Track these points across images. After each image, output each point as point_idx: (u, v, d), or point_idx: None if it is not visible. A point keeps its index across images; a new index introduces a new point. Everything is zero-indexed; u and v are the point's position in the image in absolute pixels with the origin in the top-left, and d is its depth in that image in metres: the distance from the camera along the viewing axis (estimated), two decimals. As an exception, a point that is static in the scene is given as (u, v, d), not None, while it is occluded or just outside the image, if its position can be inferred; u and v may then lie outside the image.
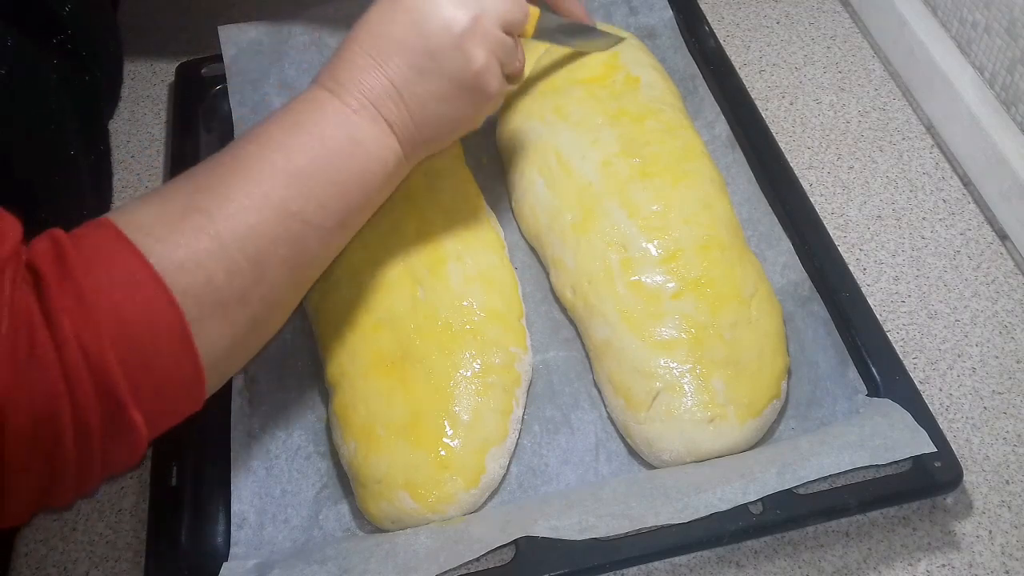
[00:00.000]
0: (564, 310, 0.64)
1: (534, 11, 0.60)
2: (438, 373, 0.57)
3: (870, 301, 0.60)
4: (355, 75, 0.52)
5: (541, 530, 0.51)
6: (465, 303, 0.60)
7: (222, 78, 0.76)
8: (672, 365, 0.56)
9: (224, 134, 0.75)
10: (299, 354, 0.63)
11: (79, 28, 0.63)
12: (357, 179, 0.52)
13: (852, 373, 0.58)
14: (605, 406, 0.59)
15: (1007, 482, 0.56)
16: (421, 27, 0.52)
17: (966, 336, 0.63)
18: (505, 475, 0.57)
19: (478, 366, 0.57)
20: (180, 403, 0.45)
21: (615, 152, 0.65)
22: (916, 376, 0.59)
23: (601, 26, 0.73)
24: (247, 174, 0.48)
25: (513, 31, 0.56)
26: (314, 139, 0.50)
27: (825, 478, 0.52)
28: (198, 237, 0.44)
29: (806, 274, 0.62)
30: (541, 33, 0.62)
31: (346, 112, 0.51)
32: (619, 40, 0.72)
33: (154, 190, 0.49)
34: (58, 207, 0.61)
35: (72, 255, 0.41)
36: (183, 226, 0.44)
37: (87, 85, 0.64)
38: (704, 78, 0.74)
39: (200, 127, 0.75)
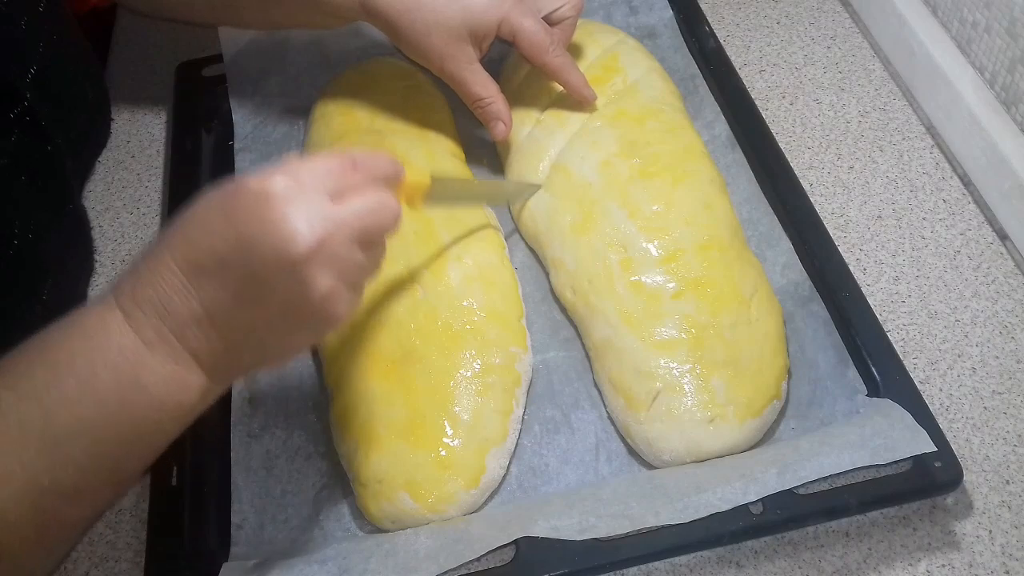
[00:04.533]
0: (564, 310, 0.64)
1: (421, 183, 0.51)
2: (438, 373, 0.57)
3: (870, 301, 0.60)
4: (159, 296, 0.42)
5: (541, 530, 0.51)
6: (465, 303, 0.60)
7: (222, 78, 0.76)
8: (672, 365, 0.56)
9: (224, 134, 0.75)
10: (299, 354, 0.63)
11: (43, 93, 0.56)
12: (136, 432, 0.43)
13: (852, 373, 0.58)
14: (605, 406, 0.59)
15: (1007, 482, 0.56)
16: (248, 247, 0.41)
17: (966, 336, 0.63)
18: (505, 475, 0.57)
19: (478, 366, 0.57)
20: None
21: (615, 153, 0.65)
22: (916, 376, 0.58)
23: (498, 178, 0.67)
24: None
25: (376, 238, 0.46)
26: (84, 389, 0.41)
27: (825, 478, 0.52)
28: None
29: (806, 274, 0.62)
30: (436, 201, 0.54)
31: (136, 348, 0.42)
32: (535, 189, 0.65)
33: None
34: (24, 291, 0.56)
35: None
36: None
37: (47, 155, 0.57)
38: (704, 78, 0.74)
39: (200, 127, 0.76)
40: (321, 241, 0.41)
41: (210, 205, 0.43)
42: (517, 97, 0.70)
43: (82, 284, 0.66)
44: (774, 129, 0.71)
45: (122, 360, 0.42)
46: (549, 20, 0.65)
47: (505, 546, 0.51)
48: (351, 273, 0.44)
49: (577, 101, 0.67)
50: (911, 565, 0.54)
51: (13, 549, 0.41)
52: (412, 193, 0.51)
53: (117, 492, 0.45)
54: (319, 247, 0.41)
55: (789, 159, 0.68)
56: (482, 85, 0.65)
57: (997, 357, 0.62)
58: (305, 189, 0.42)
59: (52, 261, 0.58)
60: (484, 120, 0.67)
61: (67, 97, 0.60)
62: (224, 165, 0.73)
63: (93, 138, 0.66)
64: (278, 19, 0.68)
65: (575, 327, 0.63)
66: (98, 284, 0.70)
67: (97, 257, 0.71)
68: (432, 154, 0.67)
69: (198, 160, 0.73)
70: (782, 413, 0.58)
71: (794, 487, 0.51)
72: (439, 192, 0.53)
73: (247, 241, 0.41)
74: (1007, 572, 0.53)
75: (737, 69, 0.75)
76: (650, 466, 0.57)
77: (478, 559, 0.50)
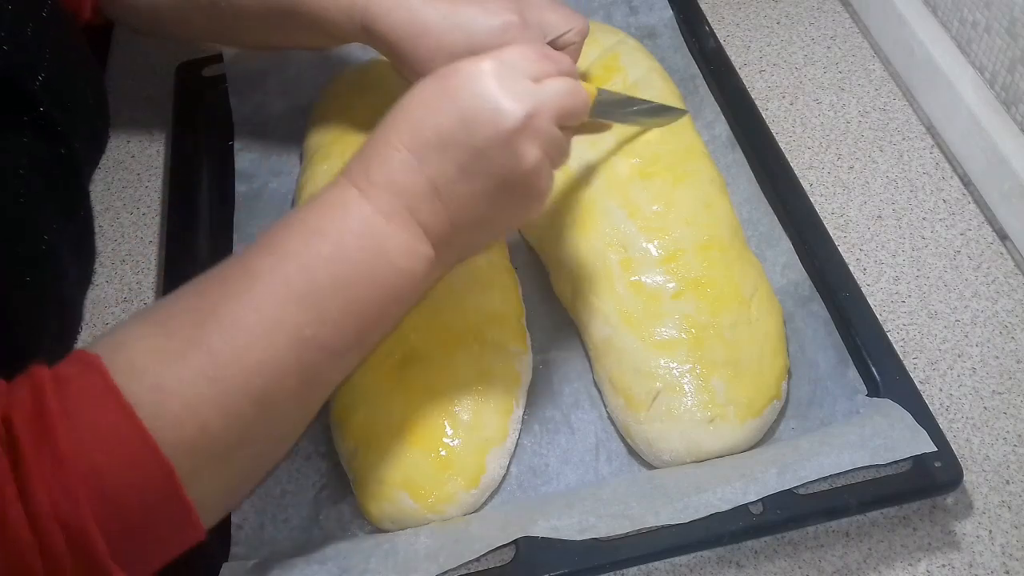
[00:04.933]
0: (564, 310, 0.64)
1: (590, 89, 0.53)
2: (438, 373, 0.57)
3: (870, 301, 0.60)
4: (390, 173, 0.47)
5: (541, 530, 0.51)
6: (465, 303, 0.60)
7: (222, 78, 0.76)
8: (672, 365, 0.56)
9: (224, 134, 0.75)
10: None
11: (54, 97, 0.56)
12: (381, 296, 0.47)
13: (852, 373, 0.58)
14: (605, 406, 0.59)
15: (1007, 482, 0.56)
16: (468, 121, 0.46)
17: (966, 336, 0.63)
18: (505, 475, 0.57)
19: (478, 366, 0.57)
20: (173, 550, 0.43)
21: (614, 153, 0.64)
22: (916, 376, 0.58)
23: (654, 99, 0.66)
24: (259, 294, 0.44)
25: (569, 123, 0.50)
26: (336, 252, 0.46)
27: (825, 478, 0.52)
28: (197, 383, 0.41)
29: (806, 274, 0.62)
30: (598, 112, 0.55)
31: (376, 218, 0.46)
32: (683, 114, 0.67)
33: (159, 306, 0.45)
34: (33, 297, 0.55)
35: (53, 409, 0.38)
36: (182, 370, 0.41)
37: (64, 158, 0.58)
38: (704, 78, 0.74)
39: (200, 127, 0.76)
40: (529, 115, 0.47)
41: (430, 89, 0.48)
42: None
43: (80, 293, 0.64)
44: (774, 129, 0.71)
45: (367, 229, 0.46)
46: (554, 46, 0.63)
47: (505, 546, 0.51)
48: (552, 149, 0.49)
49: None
50: (911, 565, 0.54)
51: (279, 397, 0.44)
52: None
53: (361, 357, 0.50)
54: (528, 120, 0.47)
55: (789, 159, 0.68)
56: None
57: (997, 357, 0.62)
58: (511, 71, 0.47)
59: (63, 266, 0.58)
60: None
61: (72, 102, 0.59)
62: (224, 165, 0.73)
63: (94, 143, 0.66)
64: (278, 41, 0.68)
65: (575, 327, 0.63)
66: (98, 282, 0.70)
67: (98, 258, 0.71)
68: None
69: (198, 160, 0.73)
70: (782, 413, 0.58)
71: (794, 487, 0.51)
72: (604, 104, 0.55)
73: (466, 116, 0.46)
74: (1007, 572, 0.53)
75: (737, 69, 0.75)
76: (650, 466, 0.57)
77: (478, 559, 0.50)
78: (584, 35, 0.64)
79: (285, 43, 0.70)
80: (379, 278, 0.47)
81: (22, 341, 0.51)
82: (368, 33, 0.60)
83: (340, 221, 0.47)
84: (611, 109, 0.59)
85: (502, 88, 0.46)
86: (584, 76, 0.69)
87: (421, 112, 0.47)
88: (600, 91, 0.54)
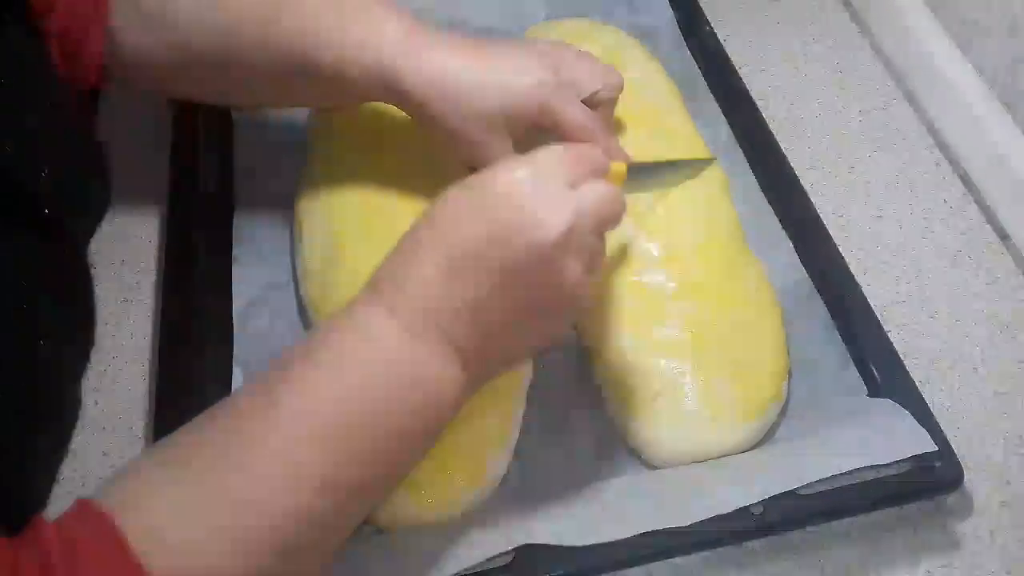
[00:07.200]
0: (564, 310, 0.64)
1: (620, 169, 0.50)
2: (438, 373, 0.57)
3: (871, 301, 0.60)
4: (423, 292, 0.44)
5: (542, 535, 0.50)
6: (465, 303, 0.59)
7: (222, 78, 0.76)
8: (672, 365, 0.56)
9: (224, 134, 0.75)
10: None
11: (57, 191, 0.53)
12: (413, 425, 0.44)
13: (852, 373, 0.58)
14: (605, 406, 0.59)
15: (1008, 482, 0.56)
16: (507, 238, 0.43)
17: (967, 336, 0.63)
18: (505, 475, 0.57)
19: (478, 366, 0.57)
20: None
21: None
22: (916, 376, 0.58)
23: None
24: (283, 437, 0.41)
25: (607, 228, 0.47)
26: (366, 383, 0.43)
27: (826, 479, 0.52)
28: (221, 542, 0.39)
29: (806, 274, 0.62)
30: (627, 188, 0.52)
31: (408, 343, 0.44)
32: (710, 162, 0.64)
33: (175, 445, 0.42)
34: (35, 373, 0.52)
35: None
36: (204, 530, 0.39)
37: (65, 253, 0.54)
38: (704, 78, 0.74)
39: (201, 128, 0.75)
40: (570, 228, 0.43)
41: (462, 199, 0.45)
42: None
43: (77, 375, 0.61)
44: (774, 129, 0.71)
45: (398, 356, 0.44)
46: (588, 103, 0.60)
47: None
48: (593, 260, 0.46)
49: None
50: (912, 565, 0.54)
51: (304, 544, 0.42)
52: (614, 181, 0.51)
53: (388, 490, 0.47)
54: (568, 234, 0.43)
55: (789, 159, 0.68)
56: None
57: (997, 357, 0.62)
58: (548, 179, 0.44)
59: (58, 359, 0.55)
60: None
61: (74, 191, 0.56)
62: (224, 165, 0.73)
63: (96, 211, 0.64)
64: (291, 100, 0.67)
65: (575, 327, 0.63)
66: (98, 283, 0.70)
67: (98, 258, 0.71)
68: (433, 151, 0.67)
69: (198, 160, 0.73)
70: (782, 413, 0.58)
71: (795, 488, 0.51)
72: (634, 177, 0.53)
73: (501, 232, 0.43)
74: (1008, 572, 0.53)
75: (737, 69, 0.75)
76: (650, 466, 0.57)
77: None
78: (619, 91, 0.61)
79: (298, 101, 0.68)
80: (411, 407, 0.44)
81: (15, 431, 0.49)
82: (391, 91, 0.57)
83: (369, 347, 0.44)
84: (639, 180, 0.56)
85: (540, 199, 0.43)
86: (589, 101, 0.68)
87: (456, 227, 0.44)
88: (630, 167, 0.51)
